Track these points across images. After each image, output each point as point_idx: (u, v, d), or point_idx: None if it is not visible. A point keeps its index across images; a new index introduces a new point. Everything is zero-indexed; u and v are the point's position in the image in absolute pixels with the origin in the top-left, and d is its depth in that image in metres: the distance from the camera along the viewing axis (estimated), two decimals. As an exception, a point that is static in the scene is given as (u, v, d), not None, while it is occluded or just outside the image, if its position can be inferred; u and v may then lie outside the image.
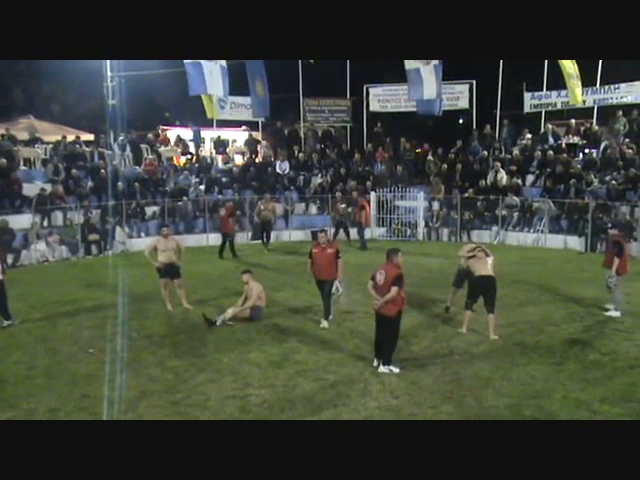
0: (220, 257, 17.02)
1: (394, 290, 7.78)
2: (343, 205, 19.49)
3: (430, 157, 22.41)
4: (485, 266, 9.59)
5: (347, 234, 19.19)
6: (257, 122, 25.38)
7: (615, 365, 8.19)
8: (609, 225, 11.39)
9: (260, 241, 18.73)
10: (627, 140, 20.08)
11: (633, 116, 20.61)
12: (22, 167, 20.26)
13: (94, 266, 16.12)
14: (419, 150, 24.21)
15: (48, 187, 18.73)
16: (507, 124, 22.69)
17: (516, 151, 21.65)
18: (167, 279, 11.36)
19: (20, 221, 17.48)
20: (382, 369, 7.97)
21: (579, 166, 19.90)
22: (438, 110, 20.63)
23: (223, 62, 17.86)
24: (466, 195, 20.30)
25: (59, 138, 21.92)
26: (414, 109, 22.55)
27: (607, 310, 10.71)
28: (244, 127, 27.14)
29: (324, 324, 10.11)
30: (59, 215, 18.42)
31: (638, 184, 18.03)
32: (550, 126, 22.15)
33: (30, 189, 18.62)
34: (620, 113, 20.64)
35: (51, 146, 21.45)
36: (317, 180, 22.31)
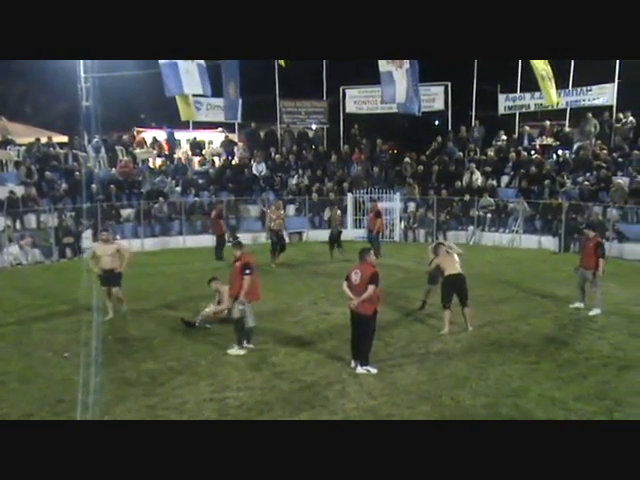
0: (219, 258, 16.63)
1: (371, 288, 7.80)
2: (339, 212, 18.21)
3: (407, 159, 22.52)
4: (453, 264, 9.81)
5: (339, 243, 16.96)
6: (233, 123, 25.25)
7: (589, 363, 8.31)
8: (583, 225, 11.56)
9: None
10: (599, 142, 20.38)
11: (605, 117, 20.91)
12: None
13: (68, 269, 15.91)
14: (396, 151, 24.29)
15: (18, 190, 18.48)
16: (478, 125, 22.88)
17: (491, 152, 21.87)
18: (107, 287, 10.79)
19: (-8, 224, 17.24)
20: (360, 370, 7.98)
21: (556, 166, 20.14)
22: (417, 110, 20.60)
23: (201, 60, 17.65)
24: (442, 196, 20.43)
25: (32, 140, 21.59)
26: (390, 110, 22.57)
27: (578, 308, 10.88)
28: (220, 128, 26.98)
29: (233, 350, 8.85)
30: (32, 218, 18.18)
31: (610, 185, 18.31)
32: (527, 128, 22.40)
33: (2, 192, 18.34)
34: (590, 115, 20.91)
35: (24, 148, 21.12)
36: (294, 181, 22.30)
